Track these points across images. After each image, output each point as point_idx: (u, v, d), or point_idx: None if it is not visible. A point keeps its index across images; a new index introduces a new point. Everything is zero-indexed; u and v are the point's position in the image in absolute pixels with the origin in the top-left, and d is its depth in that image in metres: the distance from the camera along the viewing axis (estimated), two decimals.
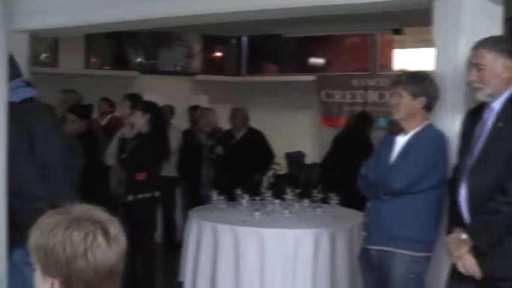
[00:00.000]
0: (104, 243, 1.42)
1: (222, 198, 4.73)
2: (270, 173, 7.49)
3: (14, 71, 2.75)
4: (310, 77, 8.42)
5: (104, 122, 7.01)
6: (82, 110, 5.26)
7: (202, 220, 4.46)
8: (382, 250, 3.14)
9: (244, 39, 9.02)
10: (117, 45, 8.91)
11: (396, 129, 3.35)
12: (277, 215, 4.50)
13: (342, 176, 5.88)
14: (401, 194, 3.06)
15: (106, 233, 1.44)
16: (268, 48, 9.11)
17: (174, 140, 6.93)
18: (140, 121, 4.98)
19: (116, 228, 1.47)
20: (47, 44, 7.65)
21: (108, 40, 8.58)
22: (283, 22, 5.66)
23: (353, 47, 8.87)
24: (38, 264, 1.44)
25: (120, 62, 8.71)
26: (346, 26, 6.34)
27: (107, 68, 8.40)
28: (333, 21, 6.00)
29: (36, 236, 1.43)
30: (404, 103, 3.14)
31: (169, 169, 6.82)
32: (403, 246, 3.05)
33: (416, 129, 3.16)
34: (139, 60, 8.79)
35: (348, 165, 5.76)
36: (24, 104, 2.69)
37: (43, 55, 7.67)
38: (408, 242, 3.05)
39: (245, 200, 4.67)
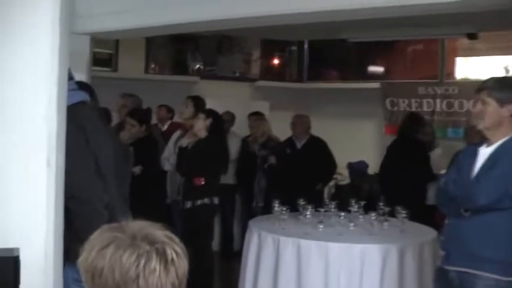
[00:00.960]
0: (158, 268, 1.23)
1: (284, 208, 4.50)
2: (332, 183, 7.23)
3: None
4: (374, 84, 8.12)
5: (164, 128, 6.93)
6: (141, 115, 5.16)
7: (264, 231, 4.27)
8: (463, 272, 2.85)
9: (306, 45, 8.81)
10: (177, 51, 8.87)
11: (474, 139, 3.06)
12: (342, 228, 4.26)
13: (399, 186, 5.61)
14: (486, 211, 2.77)
15: (163, 256, 1.25)
16: (330, 55, 8.85)
17: (233, 147, 6.79)
18: (201, 125, 4.84)
19: (175, 250, 1.28)
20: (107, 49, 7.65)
21: (169, 45, 8.54)
22: (347, 26, 5.43)
23: (418, 54, 8.51)
24: (86, 286, 1.26)
25: (180, 67, 8.64)
26: (416, 31, 6.01)
27: (167, 73, 8.32)
28: (401, 25, 5.71)
29: (85, 255, 1.26)
30: (490, 111, 2.84)
31: (228, 176, 6.69)
32: (488, 268, 2.75)
33: (503, 140, 2.86)
34: (198, 66, 8.71)
35: (403, 174, 5.58)
36: (75, 108, 2.56)
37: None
38: (494, 264, 2.75)
39: (309, 212, 4.45)
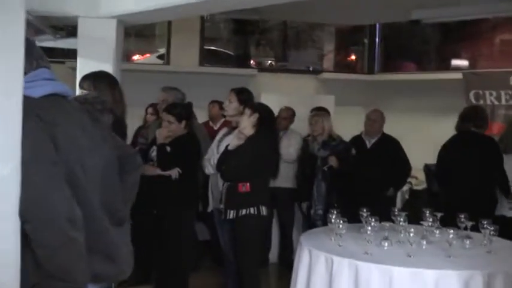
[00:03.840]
0: None
1: (341, 220, 3.73)
2: (406, 187, 6.36)
3: (37, 60, 2.00)
4: (456, 75, 7.16)
5: (216, 127, 6.32)
6: (180, 110, 4.53)
7: (315, 249, 3.53)
8: None
9: (377, 35, 7.97)
10: (236, 43, 8.35)
11: None
12: (413, 247, 3.44)
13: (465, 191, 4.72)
14: None
15: None
16: (406, 44, 7.99)
17: (293, 147, 6.09)
18: (246, 122, 4.16)
19: None
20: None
21: (226, 37, 8.01)
22: (418, 3, 4.60)
23: (508, 41, 7.46)
24: None
25: (239, 60, 8.08)
26: (501, 7, 5.02)
27: (222, 66, 7.75)
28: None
29: None
30: None
31: (287, 179, 6.00)
32: None
33: None
34: (264, 59, 8.14)
35: (473, 177, 4.63)
36: (41, 101, 1.92)
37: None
38: None
39: (372, 225, 3.65)
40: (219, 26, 8.48)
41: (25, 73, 1.97)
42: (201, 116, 6.53)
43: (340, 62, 8.74)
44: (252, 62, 8.36)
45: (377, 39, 8.09)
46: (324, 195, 5.40)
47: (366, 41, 8.28)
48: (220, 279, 5.28)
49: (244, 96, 4.51)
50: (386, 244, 3.49)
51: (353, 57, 8.73)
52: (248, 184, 4.11)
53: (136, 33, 8.27)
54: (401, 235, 3.61)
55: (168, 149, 4.48)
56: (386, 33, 8.09)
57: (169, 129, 4.49)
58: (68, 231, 1.78)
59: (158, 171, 4.43)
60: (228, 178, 4.18)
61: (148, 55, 8.37)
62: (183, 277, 4.64)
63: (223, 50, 8.46)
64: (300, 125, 6.28)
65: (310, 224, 5.48)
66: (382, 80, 7.81)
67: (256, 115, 4.17)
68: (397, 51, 8.21)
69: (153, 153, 4.55)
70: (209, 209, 4.72)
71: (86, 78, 3.50)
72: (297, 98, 6.82)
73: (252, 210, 4.11)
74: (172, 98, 4.95)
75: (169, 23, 7.32)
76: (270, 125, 4.29)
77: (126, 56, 8.10)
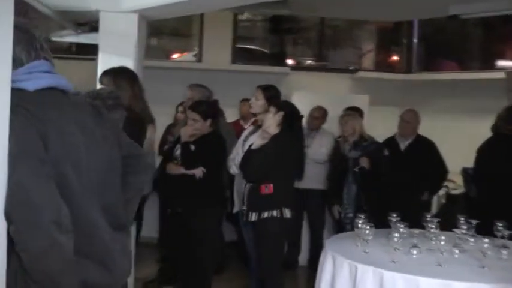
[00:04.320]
0: None
1: (368, 225, 3.53)
2: (442, 192, 6.09)
3: (37, 52, 1.89)
4: (499, 74, 6.84)
5: (247, 126, 6.18)
6: (205, 108, 4.40)
7: (339, 255, 3.36)
8: None
9: (416, 33, 7.69)
10: (272, 41, 8.21)
11: None
12: (444, 256, 3.23)
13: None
14: None
15: None
16: (447, 42, 7.69)
17: (325, 147, 5.91)
18: (271, 120, 4.00)
19: None
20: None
21: (260, 34, 7.90)
22: None
23: None
24: None
25: (274, 58, 7.93)
26: None
27: (255, 64, 7.62)
28: None
29: None
30: None
31: (317, 181, 5.82)
32: None
33: None
34: (304, 59, 8.00)
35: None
36: (41, 95, 1.81)
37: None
38: None
39: (400, 231, 3.45)
40: (254, 24, 8.37)
41: (22, 64, 1.88)
42: (233, 115, 6.42)
43: (381, 62, 8.49)
44: (288, 61, 8.21)
45: (415, 37, 7.81)
46: (354, 198, 5.20)
47: (404, 39, 8.02)
48: (244, 281, 5.15)
49: (271, 94, 4.35)
50: (415, 252, 3.30)
51: (394, 57, 8.47)
52: (271, 185, 3.95)
53: (173, 32, 8.24)
54: (433, 243, 3.41)
55: (193, 147, 4.37)
56: (426, 31, 7.81)
57: (194, 127, 4.37)
58: (54, 234, 1.65)
59: (182, 170, 4.32)
60: (250, 179, 4.04)
61: (186, 53, 8.31)
62: (207, 278, 4.52)
63: (257, 48, 8.33)
64: (333, 125, 6.08)
65: (340, 227, 5.30)
66: (420, 79, 7.52)
67: (281, 113, 4.01)
68: (437, 50, 7.90)
69: (178, 151, 4.44)
70: (234, 210, 4.58)
71: (105, 73, 3.43)
72: (330, 97, 6.62)
73: (274, 212, 3.95)
74: (199, 96, 4.84)
75: (202, 20, 7.24)
76: (296, 124, 4.12)
77: (165, 55, 8.10)
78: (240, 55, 7.64)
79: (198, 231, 4.28)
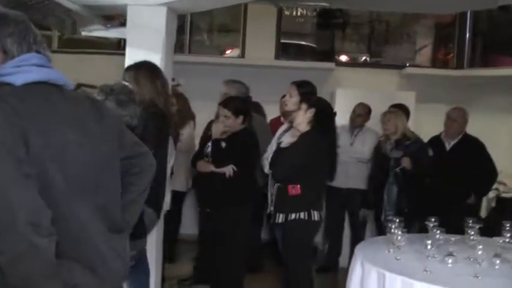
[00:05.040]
0: None
1: (401, 230, 3.32)
2: (492, 195, 5.76)
3: (30, 45, 1.80)
4: None
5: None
6: (237, 104, 4.27)
7: (368, 262, 3.17)
8: None
9: (468, 27, 7.33)
10: (321, 36, 8.02)
11: None
12: (482, 267, 2.99)
13: None
14: None
15: None
16: (504, 36, 7.28)
17: (368, 146, 5.70)
18: (301, 117, 3.84)
19: None
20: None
21: (308, 29, 7.73)
22: None
23: None
24: None
25: (322, 54, 7.74)
26: None
27: (300, 59, 7.44)
28: None
29: None
30: None
31: (360, 180, 5.62)
32: None
33: None
34: (356, 55, 7.81)
35: None
36: (28, 89, 1.72)
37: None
38: None
39: (436, 237, 3.23)
40: (300, 19, 8.20)
41: (13, 57, 1.80)
42: (276, 111, 6.27)
43: (436, 59, 8.15)
44: (337, 57, 8.00)
45: (468, 32, 7.44)
46: (395, 200, 4.96)
47: (457, 34, 7.65)
48: (278, 282, 5.01)
49: (306, 90, 4.18)
50: (450, 261, 3.07)
51: (450, 53, 8.11)
52: (298, 186, 3.77)
53: (222, 28, 8.16)
54: (470, 251, 3.17)
55: (223, 144, 4.25)
56: (479, 26, 7.43)
57: (225, 124, 4.25)
58: (31, 237, 1.55)
59: (211, 168, 4.21)
60: (278, 178, 3.87)
61: (235, 49, 8.23)
62: (238, 279, 4.40)
63: (303, 43, 8.14)
64: (378, 123, 5.85)
65: (380, 230, 5.07)
66: (472, 75, 7.13)
67: (312, 110, 3.83)
68: (491, 45, 7.49)
69: (208, 149, 4.33)
70: (268, 210, 4.44)
71: (127, 69, 3.36)
72: (375, 94, 6.38)
73: (302, 214, 3.78)
74: (235, 92, 4.71)
75: (245, 16, 7.12)
76: (328, 121, 3.92)
77: (219, 51, 8.03)
78: (284, 51, 7.48)
79: (227, 232, 4.17)
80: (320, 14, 8.13)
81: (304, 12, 8.09)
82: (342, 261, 6.00)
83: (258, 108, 5.71)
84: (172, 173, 5.40)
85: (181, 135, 5.97)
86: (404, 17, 8.08)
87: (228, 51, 8.12)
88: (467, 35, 7.38)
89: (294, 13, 8.02)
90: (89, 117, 1.90)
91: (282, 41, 7.41)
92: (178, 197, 5.43)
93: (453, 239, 3.27)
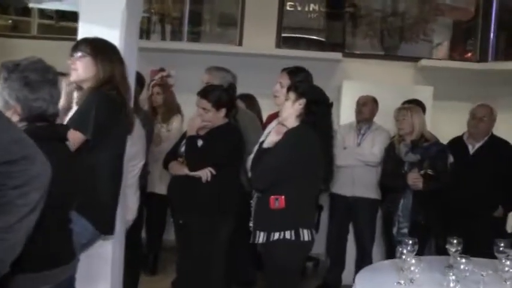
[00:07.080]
0: None
1: (414, 257, 2.60)
2: None
3: None
4: None
5: None
6: (219, 95, 3.53)
7: None
8: None
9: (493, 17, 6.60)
10: (330, 27, 7.30)
11: None
12: None
13: None
14: None
15: None
16: None
17: (378, 146, 4.96)
18: (290, 110, 3.09)
19: None
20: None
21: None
22: None
23: None
24: None
25: (327, 45, 7.04)
26: None
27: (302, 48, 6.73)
28: None
29: None
30: None
31: (368, 187, 4.90)
32: None
33: None
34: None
35: None
36: None
37: None
38: None
39: (460, 268, 2.53)
40: (305, 8, 7.53)
41: None
42: (274, 106, 5.57)
43: (455, 55, 7.46)
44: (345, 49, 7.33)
45: (493, 23, 6.70)
46: (410, 211, 4.21)
47: (480, 26, 6.90)
48: None
49: (300, 78, 3.42)
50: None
51: (469, 49, 7.40)
52: (282, 197, 2.94)
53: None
54: (507, 283, 2.46)
55: (200, 143, 3.52)
56: (505, 18, 6.70)
57: (204, 118, 3.52)
58: None
59: (185, 171, 3.49)
60: (257, 187, 3.09)
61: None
62: None
63: (309, 37, 7.44)
64: (390, 121, 5.09)
65: (392, 245, 4.32)
66: (497, 69, 6.37)
67: (302, 101, 3.04)
68: None
69: (183, 148, 3.60)
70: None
71: (83, 42, 2.71)
72: (387, 88, 5.65)
73: (287, 234, 2.93)
74: (219, 81, 3.96)
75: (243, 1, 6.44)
76: (322, 115, 3.11)
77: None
78: (286, 39, 6.75)
79: (203, 248, 3.43)
80: (327, 4, 7.47)
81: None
82: (346, 277, 5.27)
83: (251, 102, 4.99)
84: (148, 172, 4.72)
85: (168, 131, 5.31)
86: (420, 9, 7.40)
87: None
88: (492, 26, 6.63)
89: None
90: None
91: (284, 35, 6.70)
92: (162, 201, 4.72)
93: (484, 273, 2.51)
